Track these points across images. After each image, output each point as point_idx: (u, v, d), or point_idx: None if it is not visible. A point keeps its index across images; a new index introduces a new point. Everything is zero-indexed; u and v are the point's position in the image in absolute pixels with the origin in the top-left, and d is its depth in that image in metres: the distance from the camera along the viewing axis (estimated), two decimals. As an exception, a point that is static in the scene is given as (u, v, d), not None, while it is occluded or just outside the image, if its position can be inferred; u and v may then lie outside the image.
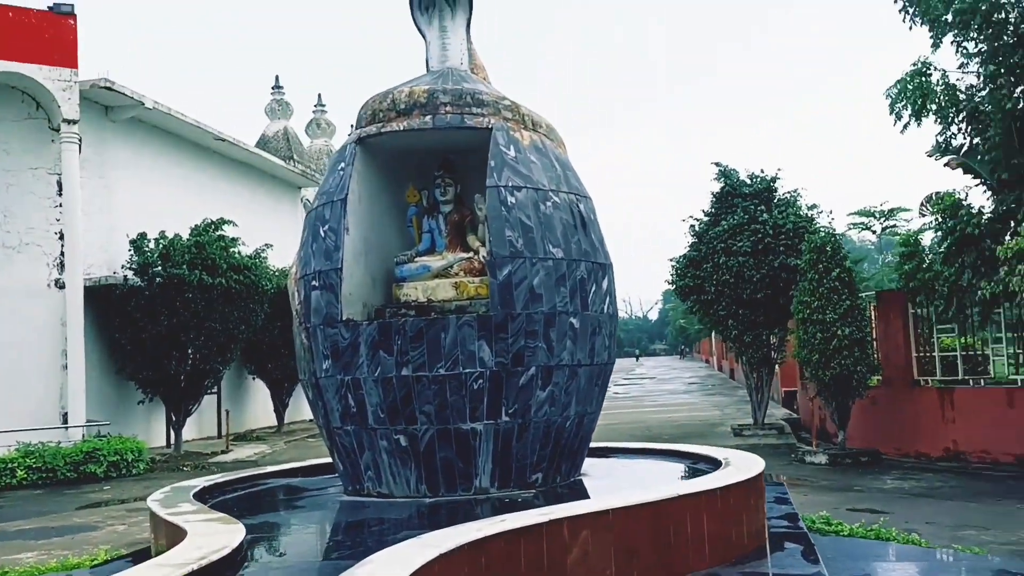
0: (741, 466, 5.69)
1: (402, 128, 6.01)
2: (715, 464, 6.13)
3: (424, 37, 6.54)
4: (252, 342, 20.66)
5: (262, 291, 19.01)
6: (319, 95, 36.73)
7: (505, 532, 4.10)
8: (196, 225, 18.70)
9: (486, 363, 5.57)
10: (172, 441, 18.75)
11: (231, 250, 18.43)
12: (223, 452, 18.39)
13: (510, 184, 5.73)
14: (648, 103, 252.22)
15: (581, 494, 5.92)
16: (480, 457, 5.64)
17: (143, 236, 18.10)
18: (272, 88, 32.34)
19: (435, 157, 6.40)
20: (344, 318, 5.77)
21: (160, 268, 17.36)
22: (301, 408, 26.93)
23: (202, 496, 6.02)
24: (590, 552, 4.37)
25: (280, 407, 23.87)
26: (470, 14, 6.49)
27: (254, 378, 23.63)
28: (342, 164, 6.08)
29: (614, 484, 6.30)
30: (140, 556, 5.65)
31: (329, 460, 7.23)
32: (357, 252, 5.98)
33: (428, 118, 5.99)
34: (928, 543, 7.19)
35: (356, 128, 6.33)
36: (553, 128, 6.45)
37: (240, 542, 4.16)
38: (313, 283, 5.90)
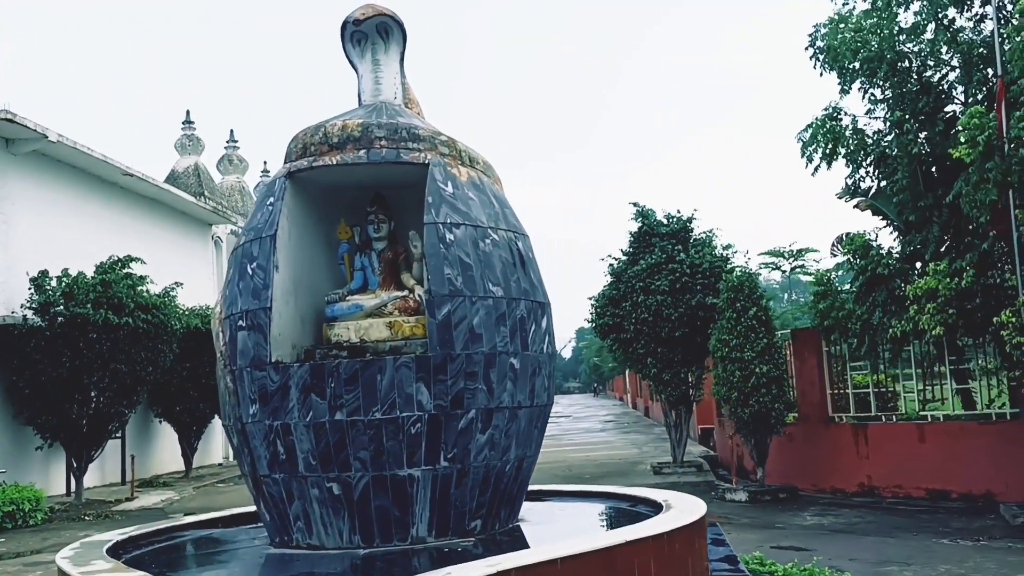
0: (684, 508, 5.61)
1: (335, 162, 5.80)
2: (654, 506, 6.04)
3: (356, 70, 6.36)
4: (159, 384, 20.00)
5: (171, 331, 18.46)
6: (231, 131, 36.08)
7: (450, 586, 3.90)
8: (102, 263, 18.03)
9: (424, 406, 5.36)
10: (73, 489, 17.96)
11: (138, 288, 17.82)
12: (128, 499, 17.69)
13: (448, 221, 5.57)
14: (561, 144, 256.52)
15: (522, 542, 5.73)
16: (417, 505, 5.40)
17: (44, 274, 17.38)
18: (183, 123, 31.63)
19: (367, 193, 6.20)
20: (273, 360, 5.48)
21: (63, 307, 16.64)
22: (210, 452, 26.17)
23: (115, 551, 5.61)
24: (539, 604, 4.20)
25: (188, 451, 23.13)
26: (404, 47, 6.34)
27: (161, 421, 22.89)
28: (271, 199, 5.83)
29: (555, 530, 6.13)
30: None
31: (249, 509, 6.91)
32: (287, 291, 5.72)
33: (362, 152, 5.79)
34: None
35: (285, 162, 6.10)
36: (490, 165, 6.34)
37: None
38: (240, 323, 5.60)
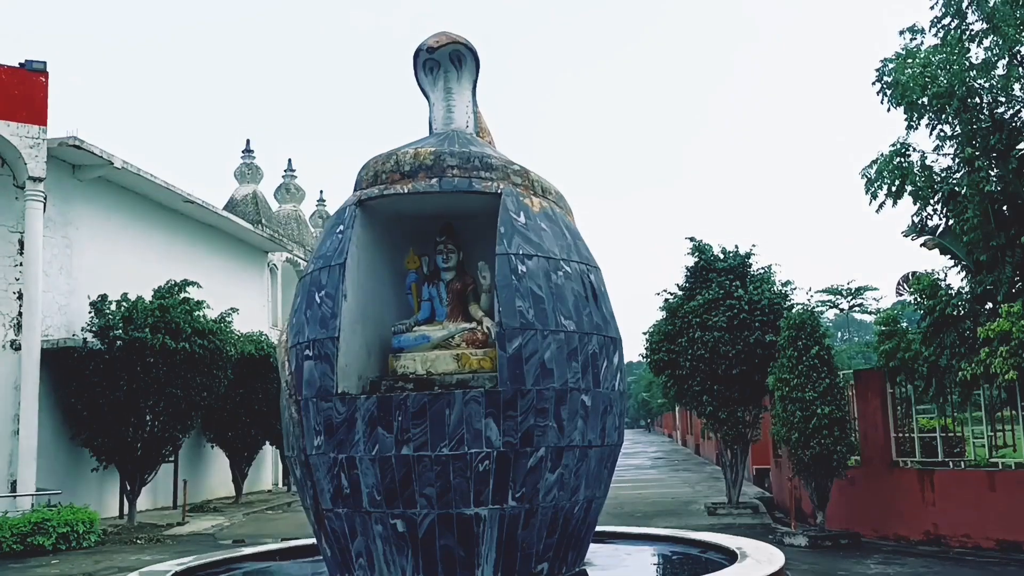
0: (761, 558, 5.35)
1: (406, 191, 5.72)
2: (725, 553, 5.78)
3: (428, 98, 6.30)
4: (212, 409, 20.21)
5: (226, 357, 18.70)
6: (289, 160, 36.69)
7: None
8: (159, 287, 18.32)
9: (493, 443, 5.19)
10: (126, 511, 18.10)
11: (195, 314, 18.06)
12: (179, 524, 17.76)
13: (521, 252, 5.44)
14: (611, 177, 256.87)
15: (590, 587, 5.52)
16: (483, 545, 5.22)
17: (104, 298, 17.70)
18: (242, 152, 32.25)
19: (436, 222, 6.10)
20: (340, 391, 5.37)
21: (121, 331, 16.88)
22: (260, 478, 26.33)
23: (176, 582, 5.54)
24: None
25: (239, 477, 23.32)
26: (476, 76, 6.27)
27: (212, 447, 23.08)
28: (340, 227, 5.75)
29: (623, 576, 5.93)
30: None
31: (305, 541, 6.81)
32: (354, 320, 5.62)
33: (434, 181, 5.71)
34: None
35: (355, 189, 6.02)
36: (562, 195, 6.21)
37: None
38: (307, 352, 5.51)
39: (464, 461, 5.17)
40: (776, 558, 5.33)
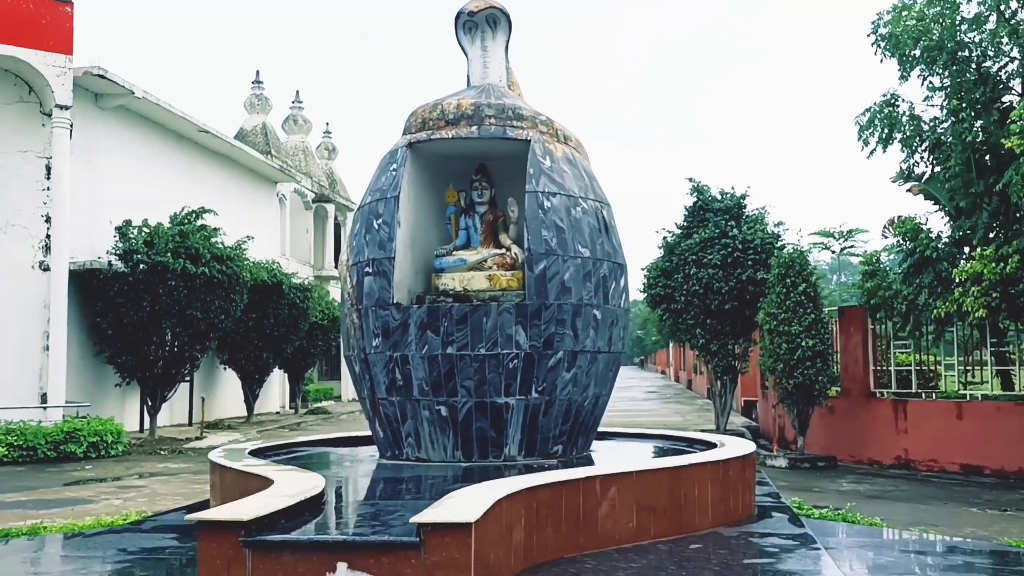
0: (736, 446, 6.49)
1: (450, 136, 6.76)
2: (708, 446, 6.91)
3: (466, 54, 7.27)
4: (226, 332, 20.72)
5: (242, 282, 19.30)
6: (297, 92, 37.03)
7: (551, 483, 4.89)
8: (176, 213, 18.96)
9: (521, 346, 6.32)
10: (146, 426, 18.99)
11: (213, 240, 18.68)
12: (197, 438, 18.64)
13: (546, 190, 6.48)
14: (614, 118, 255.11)
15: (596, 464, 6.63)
16: (511, 428, 6.38)
17: (128, 223, 18.30)
18: (252, 82, 32.67)
19: (472, 163, 7.14)
20: (395, 301, 6.46)
21: (144, 255, 17.48)
22: (268, 400, 27.32)
23: (254, 456, 6.63)
24: (617, 506, 5.13)
25: (250, 398, 24.24)
26: (509, 36, 7.24)
27: (225, 368, 23.91)
28: (394, 165, 6.79)
29: (623, 457, 7.06)
30: (196, 509, 6.20)
31: (344, 434, 7.96)
32: (405, 244, 6.71)
33: (474, 128, 6.73)
34: (889, 526, 8.02)
35: (404, 133, 7.05)
36: (581, 143, 7.22)
37: (324, 486, 4.79)
38: (367, 270, 6.60)
39: (497, 360, 6.30)
40: (748, 447, 6.47)
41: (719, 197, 18.62)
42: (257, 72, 32.80)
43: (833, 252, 36.19)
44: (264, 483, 4.86)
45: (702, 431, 18.79)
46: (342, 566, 3.70)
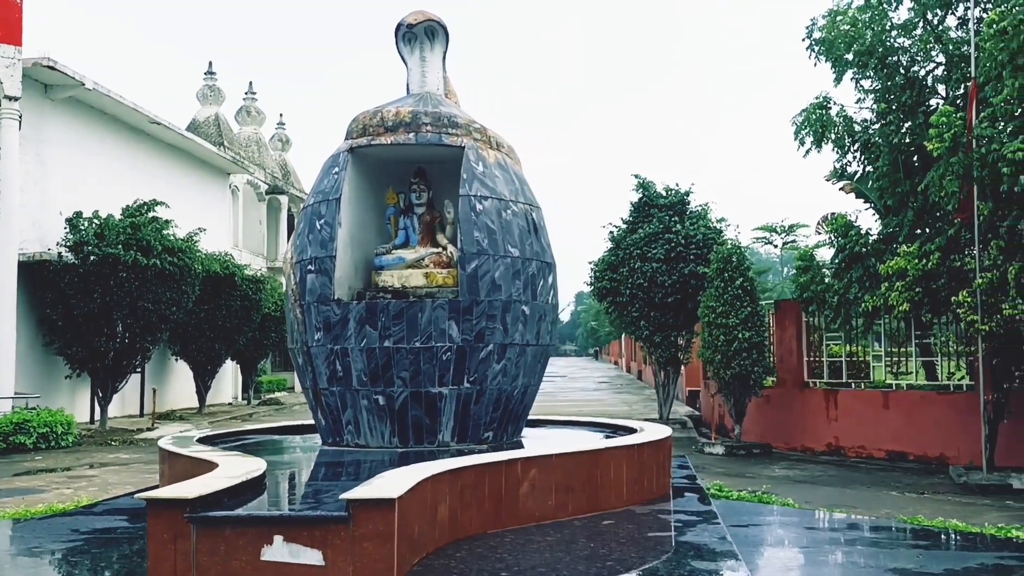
0: (652, 432, 7.04)
1: (389, 142, 7.20)
2: (632, 432, 7.42)
3: (406, 64, 7.72)
4: (178, 324, 20.93)
5: (194, 273, 19.43)
6: (250, 83, 36.98)
7: (475, 465, 5.36)
8: (128, 206, 19.06)
9: (454, 339, 6.78)
10: (97, 417, 19.09)
11: (164, 232, 18.81)
12: (148, 429, 18.75)
13: (478, 194, 6.94)
14: (560, 119, 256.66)
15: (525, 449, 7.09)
16: (444, 416, 6.85)
17: (79, 215, 18.39)
18: (205, 73, 32.56)
19: (411, 166, 7.59)
20: (336, 297, 6.87)
21: (95, 247, 17.60)
22: (221, 392, 27.40)
23: (203, 444, 7.00)
24: (537, 486, 5.62)
25: (202, 389, 24.36)
26: (446, 47, 7.69)
27: (177, 360, 24.03)
28: (336, 169, 7.22)
29: (551, 444, 7.52)
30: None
31: (292, 423, 8.38)
32: (346, 243, 7.14)
33: (412, 135, 7.18)
34: (801, 506, 8.62)
35: (346, 138, 7.48)
36: (513, 149, 7.70)
37: (265, 469, 5.19)
38: (309, 267, 7.01)
39: (431, 352, 6.75)
40: (664, 432, 7.03)
41: (664, 193, 19.17)
42: (210, 63, 32.63)
43: (776, 247, 37.16)
44: (210, 467, 5.25)
45: (646, 420, 19.43)
46: (278, 539, 4.11)
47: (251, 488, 4.81)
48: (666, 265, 17.77)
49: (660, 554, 5.01)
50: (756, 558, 5.76)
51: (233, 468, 5.03)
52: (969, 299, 11.56)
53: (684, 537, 5.44)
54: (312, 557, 4.08)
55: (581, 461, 5.93)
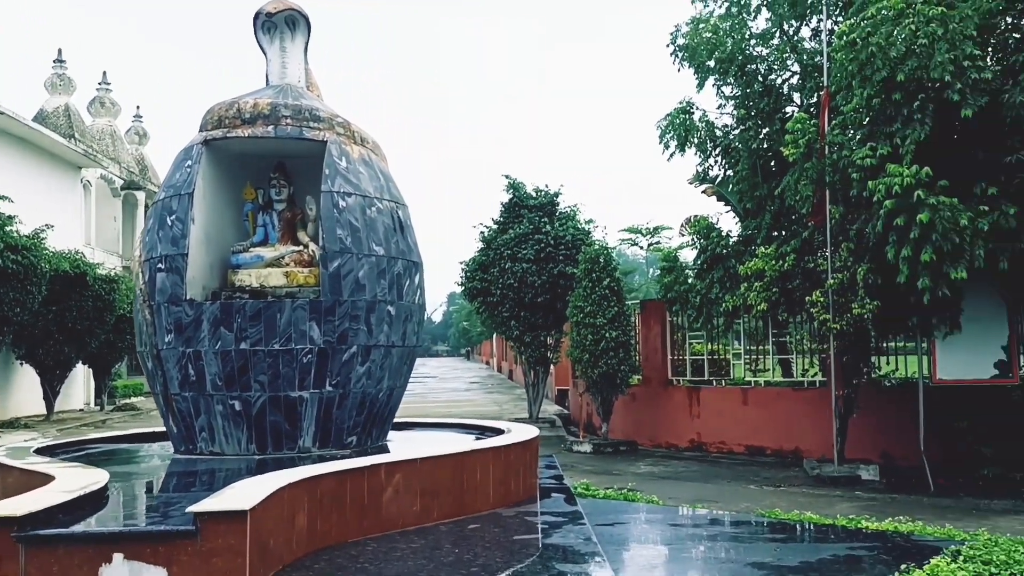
0: (519, 433, 6.97)
1: (246, 135, 6.85)
2: (499, 433, 7.33)
3: (265, 54, 7.36)
4: (23, 325, 19.83)
5: (40, 273, 18.45)
6: (104, 72, 35.19)
7: (336, 472, 5.14)
8: (-35, 201, 17.90)
9: (315, 341, 6.52)
10: (-75, 426, 17.89)
11: (6, 228, 17.77)
12: (-16, 439, 17.72)
13: (342, 190, 6.69)
14: (433, 119, 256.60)
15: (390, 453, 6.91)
16: (305, 421, 6.57)
17: (-89, 210, 17.17)
18: (54, 61, 30.83)
19: (271, 161, 7.25)
20: (188, 297, 6.49)
21: None
22: (72, 397, 25.97)
23: (41, 455, 6.50)
24: (401, 491, 5.46)
25: (51, 395, 23.04)
26: (308, 37, 7.38)
27: (22, 364, 22.65)
28: (188, 162, 6.81)
29: (417, 447, 7.35)
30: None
31: (146, 430, 7.90)
32: (200, 241, 6.75)
33: (270, 128, 6.85)
34: (664, 503, 8.77)
35: (200, 130, 7.07)
36: (378, 144, 7.46)
37: (107, 481, 4.83)
38: (159, 266, 6.60)
39: (291, 354, 6.47)
40: (530, 433, 6.98)
41: (533, 194, 19.30)
42: (60, 51, 30.88)
43: (641, 248, 38.11)
44: (46, 480, 4.86)
45: (516, 419, 19.62)
46: (118, 556, 3.82)
47: (90, 502, 4.47)
48: (536, 265, 17.91)
49: (525, 558, 4.95)
50: (621, 557, 5.78)
51: (71, 481, 4.67)
52: (822, 299, 12.02)
53: (550, 539, 5.40)
54: (155, 575, 3.81)
55: (446, 465, 5.80)
